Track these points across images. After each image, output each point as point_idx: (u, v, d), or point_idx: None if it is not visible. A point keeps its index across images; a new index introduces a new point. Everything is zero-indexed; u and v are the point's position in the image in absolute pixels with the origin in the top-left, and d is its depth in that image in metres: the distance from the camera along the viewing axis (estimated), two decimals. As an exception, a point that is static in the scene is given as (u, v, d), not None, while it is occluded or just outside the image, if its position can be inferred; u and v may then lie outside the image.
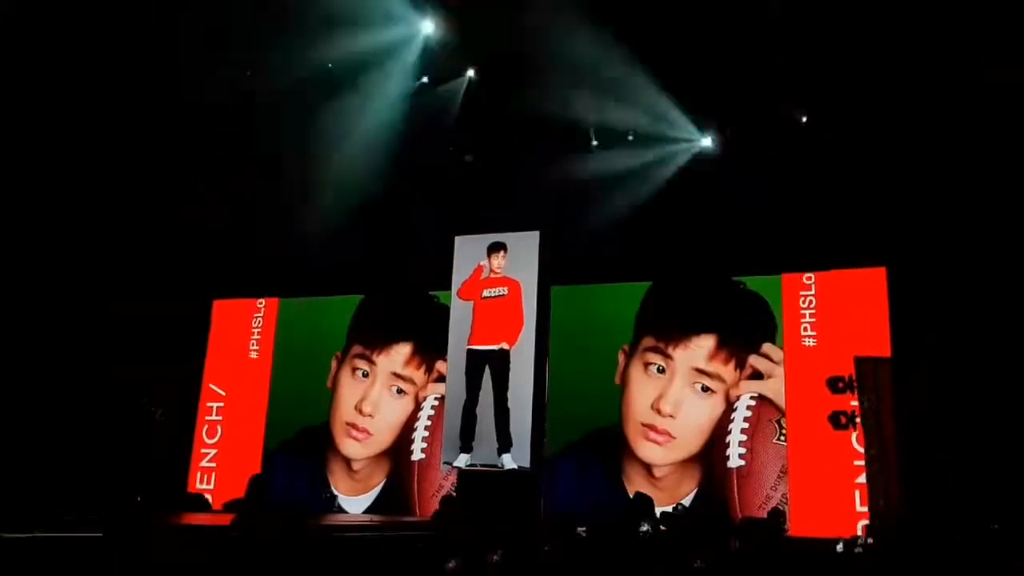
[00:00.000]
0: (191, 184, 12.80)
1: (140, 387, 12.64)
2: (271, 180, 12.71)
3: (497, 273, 11.64)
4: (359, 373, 10.37)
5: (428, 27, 11.15)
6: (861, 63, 9.73)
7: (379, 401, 9.83)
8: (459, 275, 11.85)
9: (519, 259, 11.53)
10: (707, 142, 11.20)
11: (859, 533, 8.12)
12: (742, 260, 10.64)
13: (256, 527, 5.16)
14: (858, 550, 6.92)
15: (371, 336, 10.43)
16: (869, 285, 10.16)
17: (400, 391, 9.72)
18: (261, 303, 13.28)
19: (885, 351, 9.79)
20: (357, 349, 10.74)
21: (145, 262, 12.76)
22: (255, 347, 13.11)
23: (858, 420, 9.67)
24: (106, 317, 12.54)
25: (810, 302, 10.43)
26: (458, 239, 12.06)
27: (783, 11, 9.10)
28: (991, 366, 8.99)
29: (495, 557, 4.83)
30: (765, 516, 8.98)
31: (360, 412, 10.20)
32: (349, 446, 10.18)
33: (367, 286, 12.52)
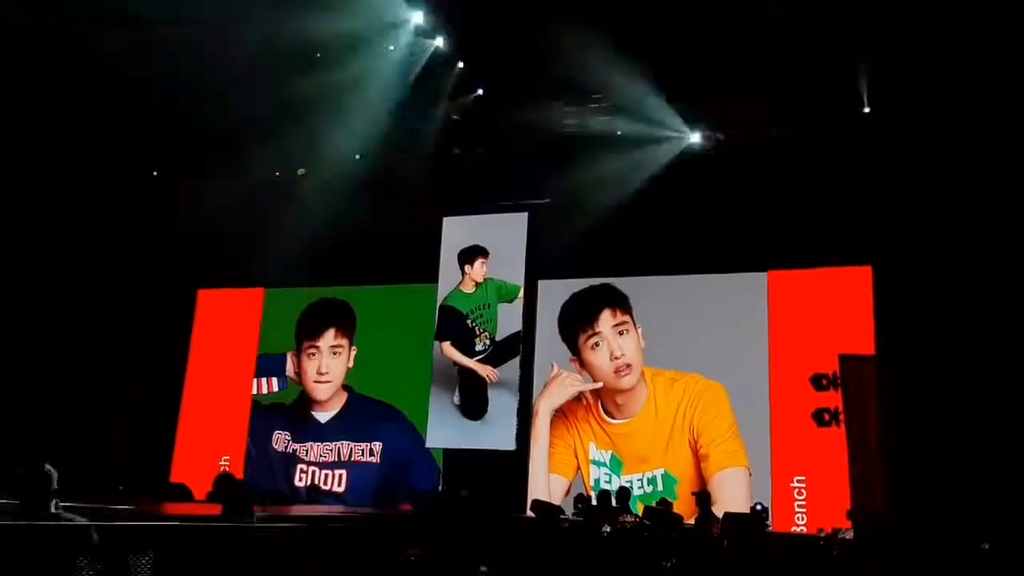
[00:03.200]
0: (176, 174, 12.75)
1: (124, 376, 12.58)
2: (258, 171, 12.66)
3: (478, 281, 11.72)
4: (312, 356, 12.82)
5: (417, 17, 11.08)
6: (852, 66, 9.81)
7: (328, 362, 12.61)
8: (446, 255, 11.95)
9: (508, 242, 11.70)
10: (695, 138, 11.18)
11: (841, 527, 8.17)
12: (729, 257, 10.69)
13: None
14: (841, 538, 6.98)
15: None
16: (854, 283, 10.22)
17: (336, 352, 12.55)
18: (246, 293, 13.24)
19: (869, 349, 9.85)
20: (306, 344, 12.90)
21: (131, 251, 12.70)
22: (240, 336, 13.08)
23: (842, 417, 9.74)
24: (90, 306, 12.46)
25: (795, 299, 10.48)
26: (446, 220, 12.14)
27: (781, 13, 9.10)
28: (975, 364, 9.05)
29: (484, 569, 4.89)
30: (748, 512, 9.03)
31: (319, 374, 12.65)
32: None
33: (351, 277, 12.58)
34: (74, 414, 12.05)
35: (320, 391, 12.50)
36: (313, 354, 12.62)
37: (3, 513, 4.19)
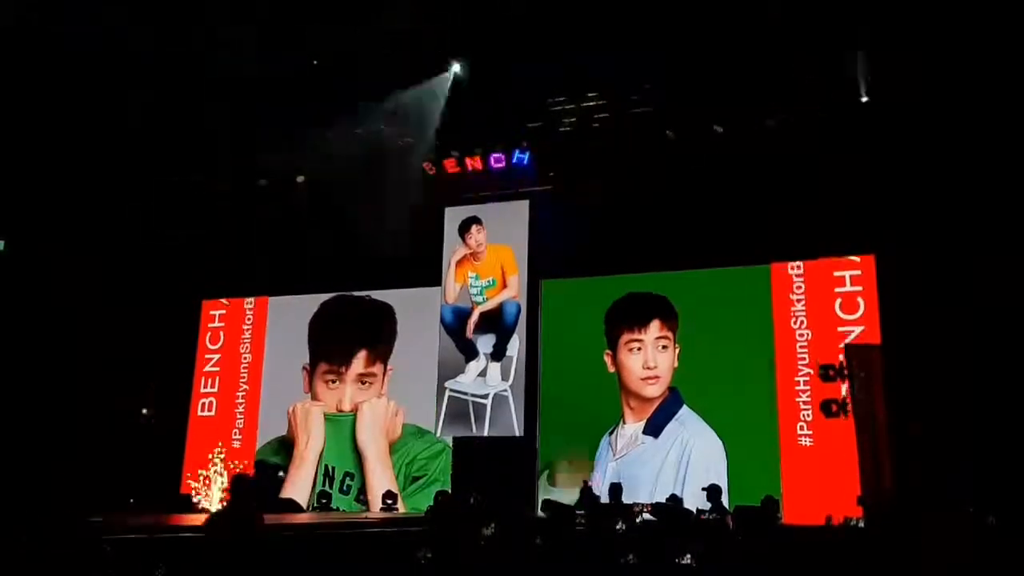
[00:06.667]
0: (178, 186, 12.77)
1: (132, 389, 12.59)
2: (258, 180, 12.70)
3: (479, 256, 11.73)
4: (330, 383, 12.02)
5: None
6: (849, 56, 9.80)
7: (353, 395, 11.88)
8: (449, 246, 11.93)
9: (510, 231, 11.73)
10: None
11: (852, 516, 8.17)
12: (731, 250, 10.68)
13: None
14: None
15: (332, 353, 12.16)
16: (858, 272, 10.21)
17: (366, 383, 11.89)
18: (250, 302, 13.24)
19: (875, 338, 9.84)
20: (324, 367, 12.18)
21: (134, 265, 12.71)
22: (246, 346, 13.09)
23: (849, 407, 9.72)
24: (96, 320, 12.47)
25: (799, 290, 10.48)
26: (448, 210, 12.15)
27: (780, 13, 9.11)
28: (979, 350, 9.04)
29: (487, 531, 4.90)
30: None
31: (339, 411, 11.93)
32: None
33: (352, 284, 12.57)
34: (82, 428, 12.06)
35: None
36: (334, 382, 11.96)
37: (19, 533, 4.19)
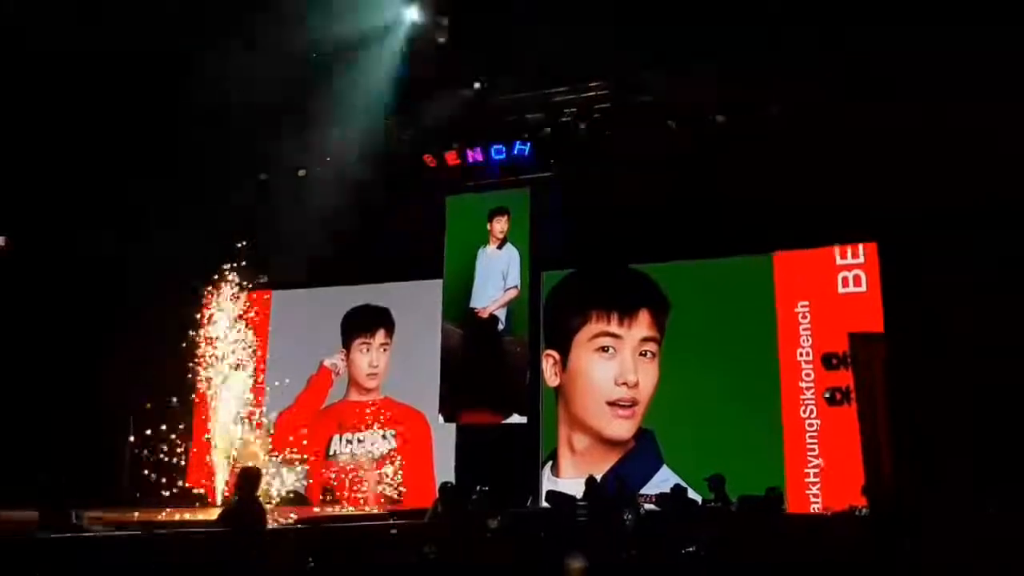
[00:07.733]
0: (185, 179, 12.73)
1: (134, 383, 12.58)
2: (262, 173, 12.69)
3: (499, 238, 11.66)
4: (364, 348, 12.59)
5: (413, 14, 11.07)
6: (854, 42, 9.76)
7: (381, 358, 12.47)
8: (452, 235, 11.87)
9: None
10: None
11: (855, 504, 8.18)
12: (734, 240, 10.66)
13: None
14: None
15: (364, 329, 12.62)
16: (860, 260, 10.20)
17: (385, 348, 12.31)
18: (255, 295, 13.21)
19: (878, 326, 9.83)
20: (359, 338, 12.61)
21: (136, 260, 12.69)
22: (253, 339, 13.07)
23: (853, 396, 9.72)
24: (100, 312, 12.48)
25: (802, 279, 10.46)
26: (450, 199, 12.13)
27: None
28: (982, 339, 9.02)
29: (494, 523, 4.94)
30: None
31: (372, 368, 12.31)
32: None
33: (354, 277, 12.62)
34: (84, 422, 12.08)
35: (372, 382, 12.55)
36: (366, 348, 12.62)
37: (26, 524, 4.22)
